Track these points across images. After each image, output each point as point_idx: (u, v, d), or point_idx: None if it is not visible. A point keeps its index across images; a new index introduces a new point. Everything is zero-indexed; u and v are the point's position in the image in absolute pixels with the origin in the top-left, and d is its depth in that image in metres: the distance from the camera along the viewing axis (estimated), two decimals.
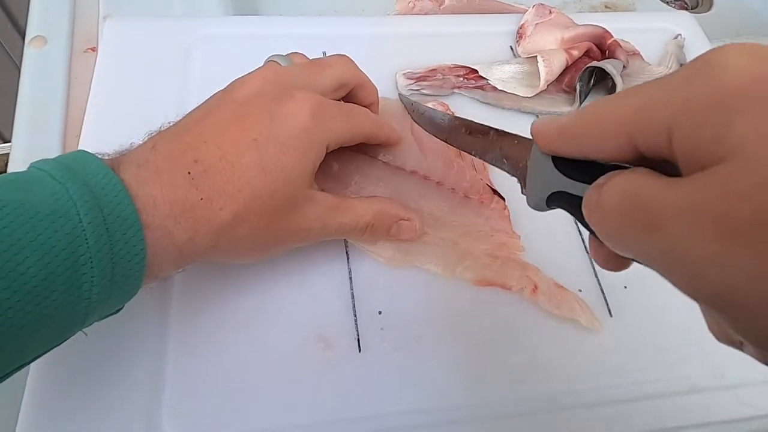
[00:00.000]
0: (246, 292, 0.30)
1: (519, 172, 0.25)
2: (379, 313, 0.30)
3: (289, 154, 0.26)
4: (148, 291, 0.29)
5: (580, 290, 0.32)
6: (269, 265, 0.31)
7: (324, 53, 0.40)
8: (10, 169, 0.34)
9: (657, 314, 0.32)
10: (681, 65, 0.43)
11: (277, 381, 0.28)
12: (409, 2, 0.52)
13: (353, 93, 0.31)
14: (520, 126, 0.38)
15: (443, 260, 0.31)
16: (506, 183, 0.35)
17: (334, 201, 0.28)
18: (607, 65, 0.38)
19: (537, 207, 0.23)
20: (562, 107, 0.39)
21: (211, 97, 0.28)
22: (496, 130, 0.27)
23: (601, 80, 0.40)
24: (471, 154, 0.28)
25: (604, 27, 0.42)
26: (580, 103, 0.39)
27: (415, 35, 0.42)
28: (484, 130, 0.27)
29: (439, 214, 0.33)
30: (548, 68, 0.39)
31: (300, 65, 0.30)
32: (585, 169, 0.20)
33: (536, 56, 0.39)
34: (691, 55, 0.44)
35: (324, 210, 0.28)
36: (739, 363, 0.30)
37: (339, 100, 0.31)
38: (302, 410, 0.27)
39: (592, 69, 0.39)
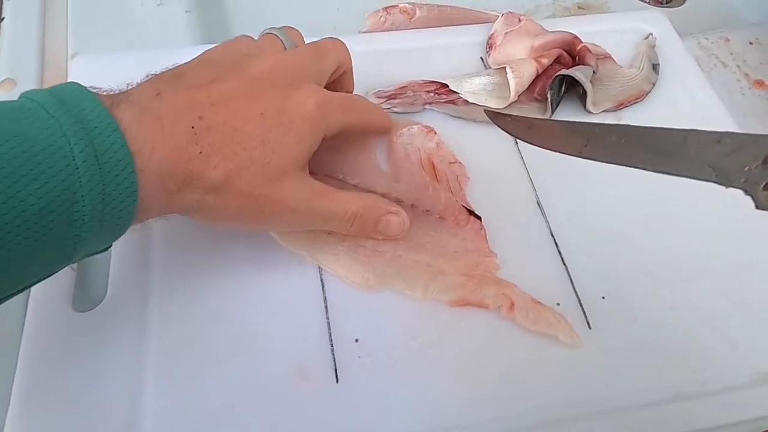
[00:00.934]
0: (221, 324, 0.30)
1: (745, 179, 0.19)
2: (356, 341, 0.30)
3: (290, 133, 0.27)
4: (124, 328, 0.29)
5: (558, 304, 0.32)
6: (244, 297, 0.31)
7: None
8: None
9: (635, 323, 0.31)
10: (654, 65, 0.43)
11: (255, 415, 0.28)
12: (381, 17, 0.52)
13: (339, 78, 0.33)
14: (493, 139, 0.39)
15: (419, 282, 0.31)
16: (483, 202, 0.35)
17: (323, 188, 0.29)
18: (577, 72, 0.38)
19: None
20: (534, 116, 0.39)
21: (219, 50, 0.30)
22: (674, 130, 0.21)
23: (572, 87, 0.40)
24: (634, 167, 0.22)
25: (573, 32, 0.42)
26: (552, 112, 0.39)
27: (384, 52, 0.42)
28: (647, 132, 0.22)
29: (413, 236, 0.32)
30: (517, 79, 0.39)
31: (304, 51, 0.31)
32: None
33: (505, 67, 0.39)
34: (663, 54, 0.44)
35: (313, 193, 0.29)
36: (721, 368, 0.31)
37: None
38: None
39: (562, 77, 0.39)
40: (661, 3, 0.61)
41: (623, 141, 0.23)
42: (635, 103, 0.41)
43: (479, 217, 0.34)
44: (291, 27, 0.33)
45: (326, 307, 0.31)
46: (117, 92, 0.25)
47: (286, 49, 0.31)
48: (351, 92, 0.35)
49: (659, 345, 0.31)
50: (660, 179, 0.35)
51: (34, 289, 0.30)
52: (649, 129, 0.22)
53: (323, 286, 0.32)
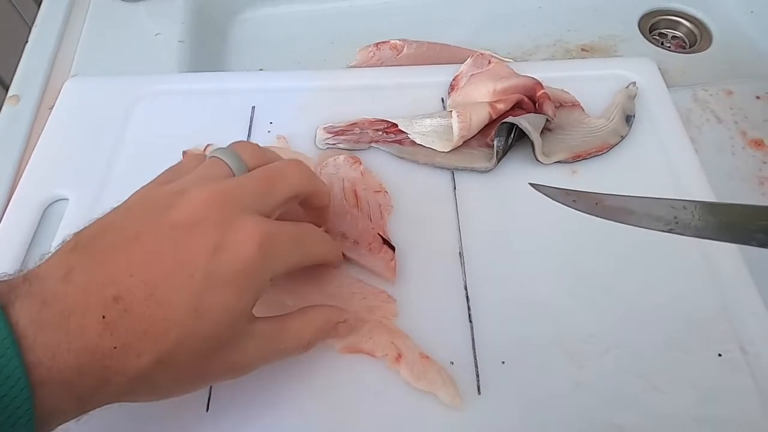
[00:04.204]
0: None
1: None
2: None
3: (228, 292, 0.23)
4: None
5: (452, 362, 0.30)
6: None
7: (253, 108, 0.42)
8: None
9: (532, 395, 0.29)
10: (627, 117, 0.40)
11: None
12: (370, 52, 0.53)
13: (305, 199, 0.29)
14: (432, 183, 0.38)
15: None
16: (404, 243, 0.34)
17: (273, 329, 0.26)
18: (522, 121, 0.36)
19: None
20: (478, 163, 0.38)
21: (144, 193, 0.26)
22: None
23: (524, 136, 0.38)
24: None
25: (536, 78, 0.40)
26: (498, 160, 0.37)
27: (346, 89, 0.43)
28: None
29: (311, 273, 0.32)
30: (463, 123, 0.38)
31: (249, 179, 0.26)
32: None
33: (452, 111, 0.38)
34: (644, 104, 0.41)
35: (264, 341, 0.26)
36: None
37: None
38: None
39: (510, 124, 0.37)
40: (684, 48, 0.56)
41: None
42: (596, 155, 0.38)
43: (393, 248, 0.33)
44: (246, 143, 0.29)
45: None
46: (21, 275, 0.22)
47: (234, 175, 0.27)
48: (324, 212, 0.31)
49: (553, 423, 0.28)
50: (590, 252, 0.33)
51: None
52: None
53: None
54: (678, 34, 0.57)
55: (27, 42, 0.50)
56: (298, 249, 0.27)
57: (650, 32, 0.57)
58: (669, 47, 0.56)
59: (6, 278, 0.22)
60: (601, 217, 0.26)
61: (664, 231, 0.25)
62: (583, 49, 0.54)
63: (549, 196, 0.28)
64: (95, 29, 0.51)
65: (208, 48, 0.52)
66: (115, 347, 0.21)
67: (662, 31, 0.58)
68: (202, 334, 0.23)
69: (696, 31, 0.56)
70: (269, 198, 0.26)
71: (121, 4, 0.53)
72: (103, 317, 0.21)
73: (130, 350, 0.21)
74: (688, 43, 0.57)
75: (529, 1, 0.57)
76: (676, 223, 0.25)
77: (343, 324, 0.30)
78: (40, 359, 0.20)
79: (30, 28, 0.51)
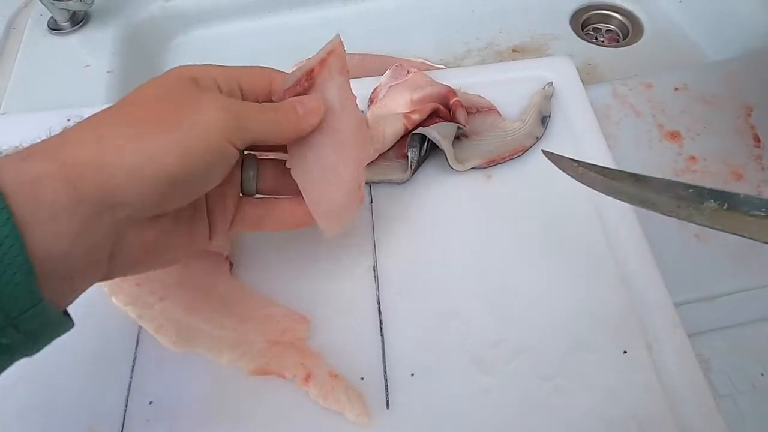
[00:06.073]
0: (28, 380, 0.31)
1: None
2: (150, 403, 0.31)
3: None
4: None
5: (362, 378, 0.30)
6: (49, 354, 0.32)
7: None
8: None
9: (440, 406, 0.29)
10: (543, 118, 0.40)
11: None
12: None
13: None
14: None
15: (224, 347, 0.31)
16: (319, 259, 0.34)
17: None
18: (432, 131, 0.37)
19: None
20: (394, 175, 0.38)
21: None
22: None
23: (437, 146, 0.38)
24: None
25: (451, 86, 0.40)
26: (413, 172, 0.38)
27: None
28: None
29: (228, 299, 0.33)
30: (375, 137, 0.38)
31: None
32: None
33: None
34: (560, 104, 0.41)
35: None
36: None
37: None
38: None
39: (422, 135, 0.37)
40: (618, 41, 0.57)
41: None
42: (510, 159, 0.38)
43: None
44: None
45: (133, 366, 0.32)
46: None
47: None
48: None
49: None
50: (500, 259, 0.33)
51: None
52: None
53: (137, 345, 0.33)
54: (611, 27, 0.57)
55: None
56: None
57: (584, 28, 0.57)
58: (603, 42, 0.56)
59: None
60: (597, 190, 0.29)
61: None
62: (514, 50, 0.54)
63: (557, 166, 0.31)
64: (27, 63, 0.51)
65: (140, 76, 0.52)
66: None
67: (596, 25, 0.58)
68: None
69: (628, 23, 0.57)
70: None
71: (53, 37, 0.53)
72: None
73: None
74: (621, 36, 0.57)
75: (462, 6, 0.58)
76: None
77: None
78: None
79: None
